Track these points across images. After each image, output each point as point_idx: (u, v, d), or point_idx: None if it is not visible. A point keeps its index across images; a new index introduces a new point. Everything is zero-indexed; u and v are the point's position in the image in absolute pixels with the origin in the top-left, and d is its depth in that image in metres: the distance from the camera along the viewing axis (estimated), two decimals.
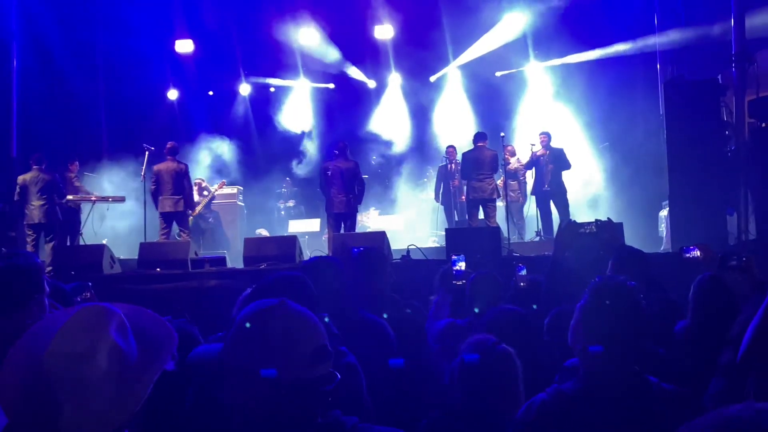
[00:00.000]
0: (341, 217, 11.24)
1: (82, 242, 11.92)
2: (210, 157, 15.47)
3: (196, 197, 14.02)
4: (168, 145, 11.56)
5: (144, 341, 1.53)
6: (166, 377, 1.57)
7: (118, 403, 1.44)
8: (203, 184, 14.26)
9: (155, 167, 11.45)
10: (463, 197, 12.52)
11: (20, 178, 11.24)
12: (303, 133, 16.58)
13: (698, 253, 4.73)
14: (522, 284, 4.96)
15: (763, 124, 9.28)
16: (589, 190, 14.16)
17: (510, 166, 12.66)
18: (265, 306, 1.66)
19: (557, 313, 3.55)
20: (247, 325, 1.62)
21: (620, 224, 4.27)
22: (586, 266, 3.85)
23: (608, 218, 4.20)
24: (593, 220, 4.09)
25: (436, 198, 13.63)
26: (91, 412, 1.41)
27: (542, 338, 3.66)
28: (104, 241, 11.89)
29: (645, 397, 2.40)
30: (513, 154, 13.21)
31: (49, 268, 9.31)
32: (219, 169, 15.50)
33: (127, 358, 1.47)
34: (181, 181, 11.43)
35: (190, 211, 12.04)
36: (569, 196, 12.09)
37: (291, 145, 16.31)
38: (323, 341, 1.64)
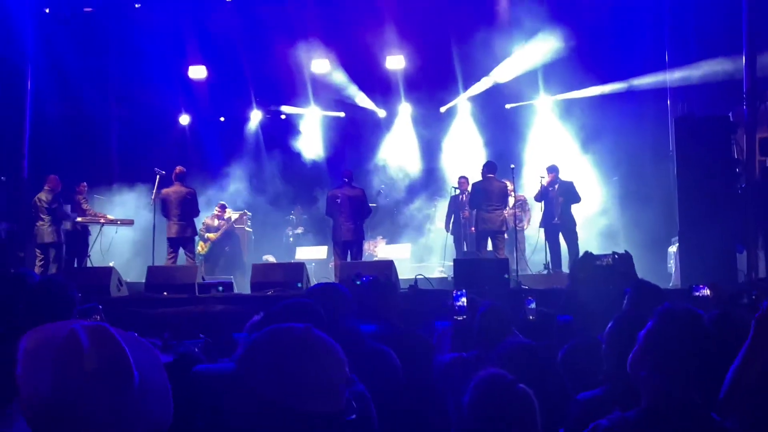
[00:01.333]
0: (348, 244, 11.25)
1: (89, 264, 11.94)
2: (220, 183, 15.51)
3: (215, 222, 14.10)
4: (176, 170, 11.63)
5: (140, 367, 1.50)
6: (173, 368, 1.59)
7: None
8: (225, 210, 14.39)
9: (163, 191, 11.51)
10: (473, 228, 12.52)
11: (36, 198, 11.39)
12: (313, 160, 16.61)
13: (708, 291, 4.70)
14: (531, 317, 4.93)
15: None
16: (598, 224, 14.12)
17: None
18: (290, 331, 1.60)
19: (573, 346, 3.51)
20: (266, 346, 1.57)
21: (631, 256, 4.27)
22: (602, 299, 3.82)
23: (625, 251, 4.17)
24: (610, 252, 4.06)
25: (447, 228, 13.61)
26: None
27: (554, 371, 3.61)
28: (112, 264, 11.91)
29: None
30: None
31: None
32: (229, 194, 15.53)
33: (130, 368, 1.45)
34: (189, 206, 11.47)
35: (207, 235, 12.12)
36: (577, 228, 12.06)
37: (300, 172, 16.35)
38: (347, 372, 1.59)
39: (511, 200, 12.36)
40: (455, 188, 13.52)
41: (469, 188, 12.51)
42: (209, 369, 1.74)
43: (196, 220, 11.83)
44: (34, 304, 2.70)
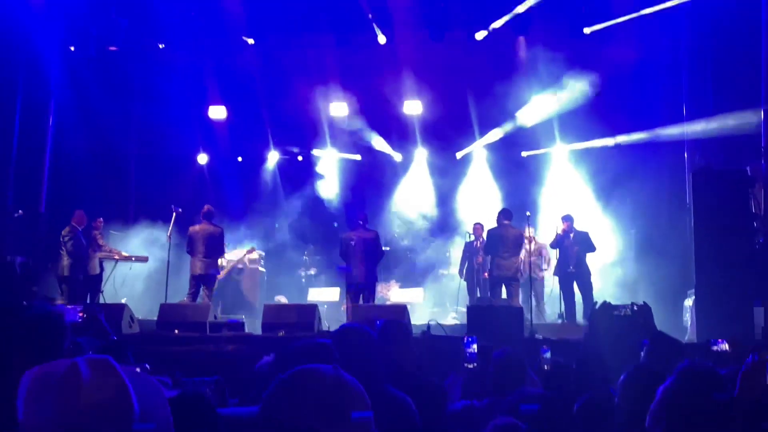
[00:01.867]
0: (361, 287, 11.22)
1: (102, 300, 11.96)
2: (235, 222, 15.55)
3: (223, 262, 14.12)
4: (204, 209, 11.72)
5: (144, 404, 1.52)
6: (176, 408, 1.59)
7: None
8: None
9: (190, 229, 11.62)
10: (486, 274, 12.47)
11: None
12: (328, 201, 16.66)
13: (726, 346, 4.63)
14: (546, 367, 4.87)
15: None
16: (613, 274, 14.02)
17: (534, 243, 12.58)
18: (316, 371, 1.58)
19: (589, 398, 3.45)
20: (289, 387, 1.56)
21: (650, 308, 4.23)
22: (620, 350, 3.76)
23: (644, 302, 4.12)
24: (629, 303, 4.01)
25: (460, 274, 13.55)
26: None
27: (568, 423, 3.55)
28: (124, 300, 11.91)
29: None
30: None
31: None
32: (243, 234, 15.56)
33: (132, 399, 1.47)
34: (214, 245, 11.53)
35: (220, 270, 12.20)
36: (592, 278, 11.98)
37: (316, 213, 16.39)
38: (371, 416, 1.58)
39: (531, 245, 12.33)
40: (470, 234, 13.49)
41: (484, 234, 12.50)
42: (234, 412, 1.73)
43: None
44: (25, 336, 2.71)
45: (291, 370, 1.61)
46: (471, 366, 4.52)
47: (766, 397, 2.50)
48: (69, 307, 7.45)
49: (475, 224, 13.45)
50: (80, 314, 6.79)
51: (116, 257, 12.57)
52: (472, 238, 13.38)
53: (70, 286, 11.49)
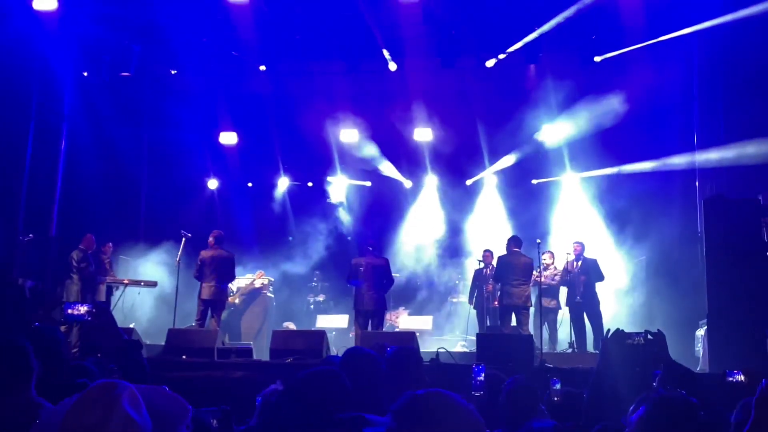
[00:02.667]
0: (370, 314, 11.17)
1: None
2: (244, 247, 15.54)
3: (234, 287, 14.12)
4: (214, 234, 11.74)
5: (158, 414, 1.55)
6: None
7: None
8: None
9: (201, 253, 11.59)
10: (496, 302, 12.39)
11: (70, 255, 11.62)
12: (338, 227, 16.66)
13: (742, 377, 4.57)
14: (556, 399, 4.80)
15: None
16: (623, 303, 13.92)
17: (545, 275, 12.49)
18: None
19: (602, 428, 3.39)
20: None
21: (664, 336, 4.18)
22: (633, 380, 3.71)
23: (658, 330, 4.07)
24: (642, 331, 3.96)
25: (470, 301, 13.47)
26: None
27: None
28: (132, 325, 11.89)
29: None
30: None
31: (75, 350, 9.30)
32: (253, 260, 15.55)
33: (141, 429, 1.49)
34: (225, 270, 11.52)
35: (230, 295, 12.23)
36: (601, 307, 11.89)
37: (325, 239, 16.37)
38: None
39: (549, 272, 12.29)
40: (480, 261, 13.43)
41: (494, 262, 12.44)
42: None
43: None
44: None
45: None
46: (478, 395, 4.46)
47: None
48: (77, 303, 7.44)
49: (485, 251, 13.39)
50: (90, 311, 6.81)
51: (125, 282, 12.57)
52: (482, 265, 13.32)
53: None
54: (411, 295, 15.68)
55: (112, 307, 12.40)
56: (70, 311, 6.60)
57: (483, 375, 4.59)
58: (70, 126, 14.26)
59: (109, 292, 12.53)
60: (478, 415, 1.65)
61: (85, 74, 14.50)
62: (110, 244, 12.88)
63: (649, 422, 2.37)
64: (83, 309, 6.81)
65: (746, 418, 3.50)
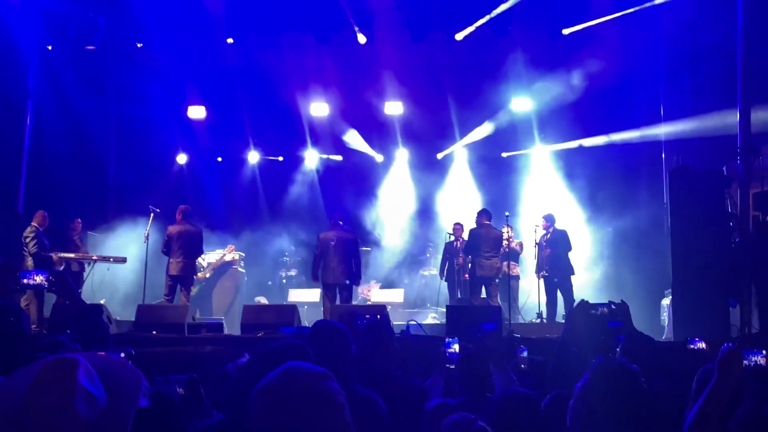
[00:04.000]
0: (338, 287, 11.21)
1: None
2: (215, 222, 15.47)
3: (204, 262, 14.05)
4: (181, 208, 11.65)
5: (111, 384, 1.54)
6: (142, 414, 1.57)
7: None
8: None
9: (169, 228, 11.53)
10: (466, 275, 12.49)
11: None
12: (309, 202, 16.63)
13: (704, 345, 4.68)
14: (523, 366, 4.90)
15: None
16: (591, 274, 14.11)
17: (509, 245, 12.60)
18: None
19: (557, 395, 3.49)
20: None
21: (628, 307, 4.29)
22: (595, 349, 3.80)
23: (622, 300, 4.17)
24: (607, 301, 4.05)
25: (441, 274, 13.57)
26: None
27: (538, 419, 3.58)
28: (102, 301, 11.82)
29: None
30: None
31: (35, 326, 9.22)
32: (223, 234, 15.49)
33: (99, 403, 1.48)
34: (193, 245, 11.46)
35: (198, 274, 12.14)
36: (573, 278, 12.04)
37: (296, 213, 16.35)
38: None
39: (513, 243, 12.40)
40: (450, 234, 13.52)
41: (465, 235, 12.53)
42: None
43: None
44: None
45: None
46: (452, 366, 4.53)
47: (742, 384, 2.59)
48: (32, 272, 7.35)
49: (455, 224, 13.47)
50: (46, 280, 6.74)
51: (94, 258, 12.46)
52: (452, 238, 13.40)
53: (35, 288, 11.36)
54: (382, 269, 15.74)
55: (81, 283, 12.34)
56: (25, 280, 6.54)
57: (456, 347, 4.66)
58: (35, 101, 14.01)
59: (82, 269, 12.43)
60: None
61: (50, 48, 14.24)
62: (79, 220, 12.73)
63: (589, 390, 2.44)
64: (39, 278, 6.76)
65: (706, 384, 3.62)
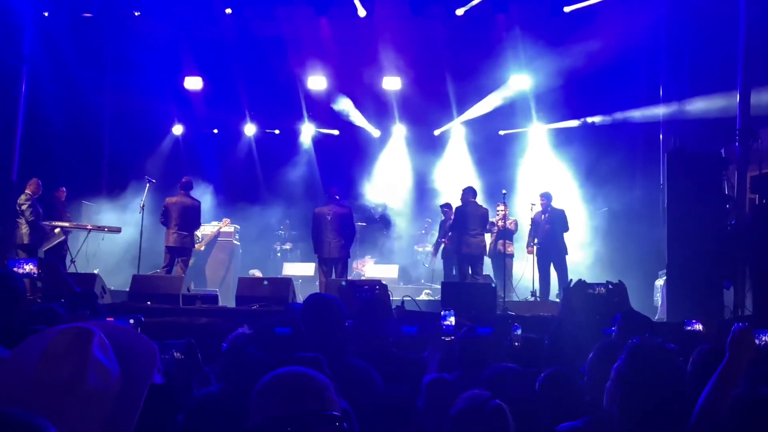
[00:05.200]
0: (334, 261, 11.22)
1: (74, 270, 11.83)
2: (209, 194, 15.43)
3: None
4: (183, 180, 11.60)
5: (125, 356, 1.49)
6: (155, 391, 1.54)
7: (112, 422, 1.39)
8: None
9: (167, 200, 11.46)
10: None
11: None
12: (305, 175, 16.58)
13: (700, 326, 4.68)
14: (517, 344, 4.90)
15: (765, 201, 9.29)
16: (586, 253, 14.13)
17: (505, 224, 12.59)
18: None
19: (551, 373, 3.50)
20: None
21: (625, 287, 4.29)
22: (591, 328, 3.80)
23: (619, 280, 4.16)
24: (604, 281, 4.04)
25: (435, 251, 13.60)
26: None
27: (533, 395, 3.59)
28: (96, 271, 11.80)
29: None
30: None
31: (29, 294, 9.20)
32: (218, 207, 15.46)
33: (112, 376, 1.44)
34: (191, 217, 11.42)
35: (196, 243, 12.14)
36: (567, 258, 12.05)
37: (292, 187, 16.30)
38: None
39: (508, 222, 12.39)
40: (446, 211, 13.51)
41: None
42: None
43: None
44: None
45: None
46: (448, 339, 4.53)
47: (755, 362, 2.59)
48: (21, 261, 7.29)
49: (441, 206, 13.52)
50: (36, 268, 6.68)
51: (89, 228, 12.42)
52: (444, 217, 13.42)
53: (30, 254, 11.33)
54: (377, 244, 15.75)
55: (71, 253, 12.31)
56: (16, 269, 6.45)
57: (452, 319, 4.65)
58: (31, 68, 13.87)
59: (66, 237, 12.40)
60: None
61: (46, 14, 14.09)
62: (63, 188, 12.67)
63: (626, 372, 2.41)
64: (28, 267, 6.69)
65: (702, 365, 3.63)
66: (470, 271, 11.51)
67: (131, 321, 3.73)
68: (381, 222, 15.95)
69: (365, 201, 16.10)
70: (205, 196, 14.73)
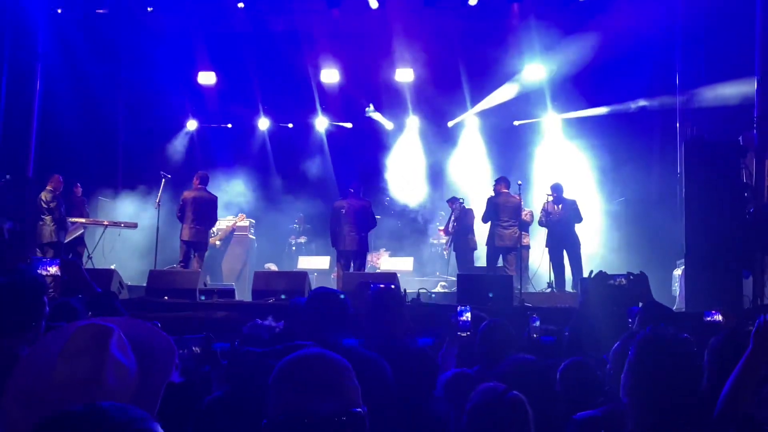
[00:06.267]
0: (352, 255, 11.20)
1: (90, 266, 11.91)
2: (224, 189, 15.45)
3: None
4: (199, 174, 11.63)
5: (143, 354, 1.49)
6: (173, 389, 1.53)
7: None
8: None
9: (184, 194, 11.49)
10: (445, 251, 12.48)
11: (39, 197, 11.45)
12: (319, 169, 16.57)
13: (720, 317, 4.63)
14: (535, 335, 4.87)
15: None
16: (602, 243, 14.04)
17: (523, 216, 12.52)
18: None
19: (570, 364, 3.46)
20: None
21: (647, 278, 4.25)
22: (612, 319, 3.76)
23: (641, 271, 4.12)
24: (623, 272, 4.00)
25: (448, 244, 13.61)
26: None
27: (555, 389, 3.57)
28: (113, 266, 11.87)
29: None
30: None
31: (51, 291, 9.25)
32: (233, 201, 15.49)
33: (130, 374, 1.43)
34: (207, 211, 11.44)
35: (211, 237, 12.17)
36: (582, 249, 11.96)
37: (306, 181, 16.31)
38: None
39: (524, 213, 12.33)
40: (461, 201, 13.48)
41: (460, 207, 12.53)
42: None
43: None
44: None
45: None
46: (464, 335, 4.51)
47: None
48: (46, 260, 7.33)
49: (448, 200, 13.55)
50: (57, 269, 6.69)
51: (105, 223, 12.50)
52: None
53: (56, 251, 11.41)
54: (392, 237, 15.72)
55: (88, 249, 12.38)
56: (39, 271, 6.46)
57: (468, 315, 4.62)
58: (45, 65, 13.96)
59: (84, 233, 12.50)
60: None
61: (59, 11, 14.14)
62: (79, 184, 12.76)
63: (637, 363, 2.38)
64: (53, 269, 6.71)
65: (718, 355, 3.59)
66: (501, 263, 11.48)
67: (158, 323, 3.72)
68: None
69: (378, 194, 16.03)
70: (219, 190, 14.74)
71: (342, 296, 3.60)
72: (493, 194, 11.68)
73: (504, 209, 11.36)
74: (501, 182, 11.67)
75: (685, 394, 2.33)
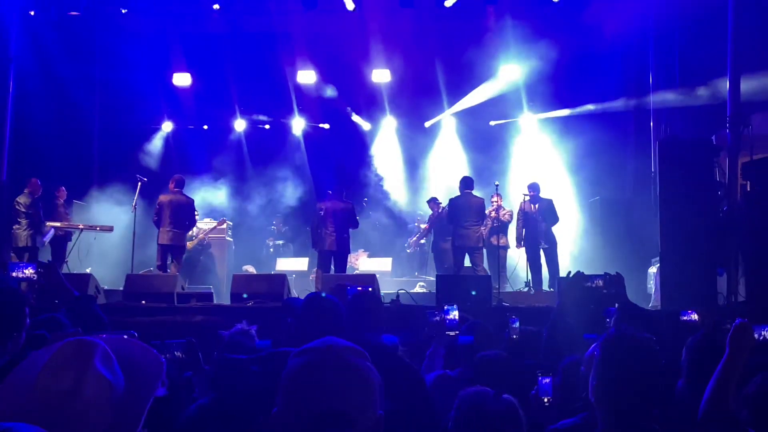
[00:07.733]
0: (332, 255, 11.18)
1: (67, 270, 11.80)
2: (200, 191, 15.37)
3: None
4: (175, 178, 11.55)
5: (131, 370, 1.49)
6: (159, 404, 1.53)
7: None
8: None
9: (160, 197, 11.40)
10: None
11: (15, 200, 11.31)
12: (296, 170, 16.53)
13: (696, 316, 4.69)
14: (515, 336, 4.91)
15: (756, 187, 9.32)
16: (578, 243, 14.16)
17: (499, 215, 12.58)
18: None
19: (568, 364, 3.46)
20: None
21: (623, 278, 4.28)
22: (590, 319, 3.80)
23: (617, 272, 4.17)
24: (602, 273, 4.05)
25: (416, 240, 13.75)
26: None
27: (532, 390, 3.57)
28: (88, 270, 11.77)
29: None
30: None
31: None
32: (210, 203, 15.41)
33: (114, 389, 1.44)
34: (184, 215, 11.36)
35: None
36: (558, 248, 12.05)
37: (283, 182, 16.26)
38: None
39: (502, 213, 12.39)
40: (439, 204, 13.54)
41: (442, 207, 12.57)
42: None
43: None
44: None
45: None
46: (453, 334, 4.51)
47: (754, 355, 2.61)
48: (21, 264, 7.25)
49: (428, 201, 13.65)
50: (35, 273, 6.61)
51: (80, 227, 12.38)
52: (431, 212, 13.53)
53: (33, 255, 11.30)
54: (370, 238, 15.73)
55: (67, 254, 12.27)
56: (15, 274, 6.38)
57: (455, 313, 4.62)
58: (18, 67, 13.78)
59: (67, 238, 12.37)
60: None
61: (32, 13, 13.99)
62: (63, 188, 12.63)
63: (599, 364, 2.41)
64: (29, 271, 6.62)
65: (696, 354, 3.64)
66: (469, 263, 11.53)
67: (125, 336, 3.71)
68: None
69: (355, 194, 16.03)
70: (195, 192, 14.66)
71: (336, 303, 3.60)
72: (458, 194, 11.68)
73: (466, 210, 11.38)
74: (463, 183, 11.66)
75: (648, 393, 2.36)
